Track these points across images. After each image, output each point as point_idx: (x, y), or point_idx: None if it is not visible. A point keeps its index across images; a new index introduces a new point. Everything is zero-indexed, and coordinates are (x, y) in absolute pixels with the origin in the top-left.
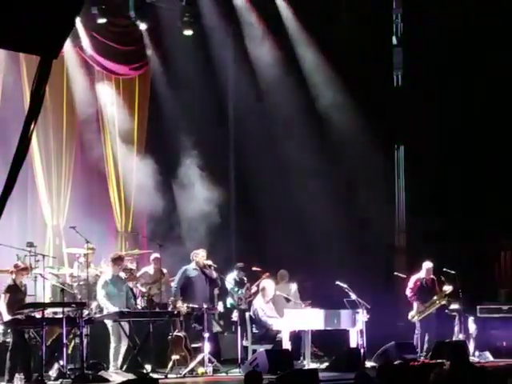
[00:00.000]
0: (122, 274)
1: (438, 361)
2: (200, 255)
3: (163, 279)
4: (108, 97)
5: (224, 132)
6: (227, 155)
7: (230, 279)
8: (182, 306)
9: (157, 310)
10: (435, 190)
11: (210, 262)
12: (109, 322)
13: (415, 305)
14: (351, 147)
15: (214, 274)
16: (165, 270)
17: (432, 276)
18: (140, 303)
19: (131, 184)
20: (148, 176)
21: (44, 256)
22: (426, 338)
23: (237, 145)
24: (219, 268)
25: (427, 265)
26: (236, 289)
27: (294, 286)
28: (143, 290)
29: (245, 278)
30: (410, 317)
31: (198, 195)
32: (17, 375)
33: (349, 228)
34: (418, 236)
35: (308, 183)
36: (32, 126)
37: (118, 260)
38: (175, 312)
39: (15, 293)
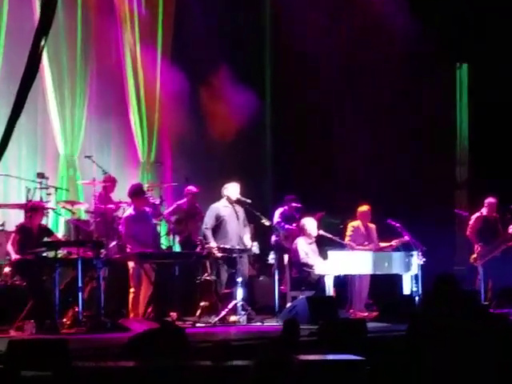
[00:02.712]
0: (148, 210)
1: (504, 311)
2: (230, 189)
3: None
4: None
5: (260, 39)
6: (263, 64)
7: (278, 214)
8: (213, 247)
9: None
10: (501, 116)
11: (242, 198)
12: (130, 264)
13: (476, 247)
14: (404, 65)
15: (242, 214)
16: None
17: (495, 214)
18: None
19: (154, 99)
20: (173, 88)
21: (57, 189)
22: (490, 285)
23: (274, 51)
24: (253, 203)
25: (490, 200)
26: (284, 225)
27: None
28: (178, 226)
29: (296, 214)
30: (471, 260)
31: (230, 112)
32: (27, 322)
33: (402, 159)
34: (482, 169)
35: (353, 108)
36: (42, 42)
37: (138, 192)
38: (204, 253)
39: (27, 236)
